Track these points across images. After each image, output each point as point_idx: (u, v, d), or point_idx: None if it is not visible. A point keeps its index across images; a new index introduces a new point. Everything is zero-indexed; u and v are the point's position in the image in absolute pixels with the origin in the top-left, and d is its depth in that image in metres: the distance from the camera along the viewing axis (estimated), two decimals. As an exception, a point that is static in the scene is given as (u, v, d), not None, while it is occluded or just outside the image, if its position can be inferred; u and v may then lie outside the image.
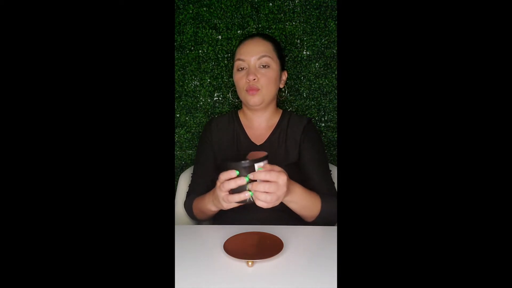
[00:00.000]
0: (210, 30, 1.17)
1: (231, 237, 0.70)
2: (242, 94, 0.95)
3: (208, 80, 1.20)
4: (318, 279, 0.57)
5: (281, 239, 0.68)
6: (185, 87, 1.21)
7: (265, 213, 0.87)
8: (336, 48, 1.14)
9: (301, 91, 1.18)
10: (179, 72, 1.20)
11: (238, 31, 1.16)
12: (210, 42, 1.18)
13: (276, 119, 1.01)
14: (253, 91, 0.92)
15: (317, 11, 1.13)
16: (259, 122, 1.01)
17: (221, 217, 0.93)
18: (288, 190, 0.71)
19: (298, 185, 0.79)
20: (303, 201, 0.80)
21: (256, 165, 0.66)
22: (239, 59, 0.94)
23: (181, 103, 1.22)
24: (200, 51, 1.18)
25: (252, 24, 1.16)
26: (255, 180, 0.66)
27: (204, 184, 0.98)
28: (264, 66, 0.93)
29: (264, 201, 0.66)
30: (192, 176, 1.03)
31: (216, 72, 1.19)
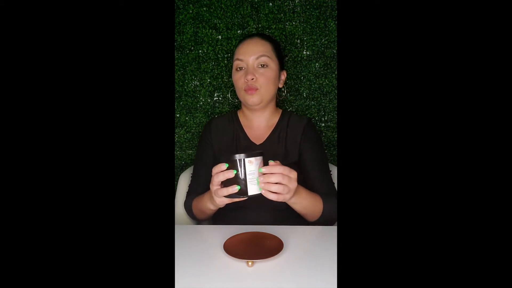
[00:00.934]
0: (210, 30, 1.17)
1: (231, 237, 0.70)
2: (241, 94, 0.95)
3: (208, 80, 1.20)
4: (318, 279, 0.57)
5: (281, 239, 0.68)
6: (185, 87, 1.21)
7: (265, 213, 0.87)
8: (336, 48, 1.14)
9: (301, 91, 1.18)
10: (179, 72, 1.20)
11: (238, 31, 1.16)
12: (210, 42, 1.18)
13: (275, 119, 1.01)
14: (251, 91, 0.92)
15: (317, 11, 1.13)
16: (259, 122, 1.01)
17: (221, 217, 0.93)
18: (294, 191, 0.72)
19: (301, 186, 0.80)
20: (307, 202, 0.80)
21: (247, 160, 0.67)
22: (237, 59, 0.94)
23: (181, 103, 1.22)
24: (200, 51, 1.18)
25: (252, 24, 1.16)
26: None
27: (204, 184, 0.98)
28: (262, 66, 0.93)
29: (277, 191, 0.67)
30: (192, 176, 1.03)
31: (216, 72, 1.19)
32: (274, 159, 0.71)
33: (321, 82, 1.17)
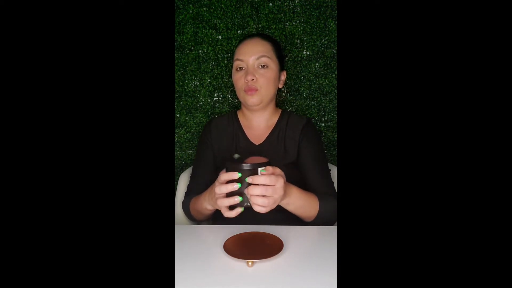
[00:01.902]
0: (210, 30, 1.17)
1: (231, 237, 0.70)
2: (241, 94, 0.95)
3: (208, 80, 1.20)
4: (318, 279, 0.57)
5: (281, 239, 0.68)
6: (185, 87, 1.21)
7: (265, 213, 0.87)
8: (336, 48, 1.14)
9: (301, 91, 1.18)
10: (179, 72, 1.20)
11: (238, 31, 1.16)
12: (210, 42, 1.18)
13: (275, 119, 1.01)
14: (251, 91, 0.92)
15: (317, 11, 1.13)
16: (258, 122, 1.01)
17: (221, 217, 0.92)
18: (285, 193, 0.71)
19: (295, 187, 0.79)
20: (300, 202, 0.80)
21: (259, 170, 0.66)
22: (238, 59, 0.94)
23: (181, 103, 1.22)
24: (200, 51, 1.19)
25: (252, 24, 1.16)
26: (250, 185, 0.66)
27: (203, 185, 0.97)
28: (262, 66, 0.93)
29: (262, 205, 0.66)
30: (191, 177, 1.03)
31: (216, 72, 1.19)
32: (273, 159, 0.71)
33: (321, 82, 1.17)
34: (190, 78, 1.20)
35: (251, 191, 0.65)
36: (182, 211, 1.02)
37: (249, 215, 0.88)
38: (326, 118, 1.19)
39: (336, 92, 1.16)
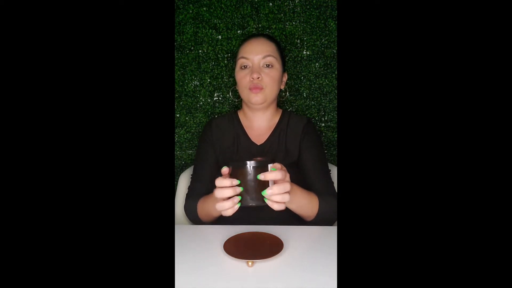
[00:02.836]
0: (210, 30, 1.17)
1: (231, 237, 0.70)
2: (245, 93, 0.95)
3: (208, 80, 1.20)
4: (318, 279, 0.57)
5: (281, 239, 0.68)
6: (185, 87, 1.21)
7: (265, 213, 0.87)
8: (336, 48, 1.14)
9: (301, 91, 1.18)
10: (179, 72, 1.20)
11: (238, 31, 1.16)
12: (210, 42, 1.18)
13: (276, 119, 1.01)
14: (256, 90, 0.92)
15: (317, 11, 1.13)
16: (260, 122, 1.01)
17: (221, 217, 0.92)
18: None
19: (296, 185, 0.79)
20: (302, 201, 0.80)
21: (269, 166, 0.65)
22: (243, 57, 0.94)
23: (181, 103, 1.22)
24: (200, 51, 1.19)
25: (252, 24, 1.16)
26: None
27: (206, 184, 0.97)
28: (268, 66, 0.93)
29: (281, 201, 0.64)
30: (192, 177, 1.01)
31: (216, 72, 1.19)
32: (274, 159, 0.70)
33: (321, 82, 1.17)
34: (190, 78, 1.20)
35: (270, 190, 0.63)
36: (183, 212, 1.02)
37: (249, 215, 0.88)
38: (326, 118, 1.19)
39: (336, 92, 1.16)
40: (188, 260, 0.64)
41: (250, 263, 0.61)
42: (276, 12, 1.14)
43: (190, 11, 1.16)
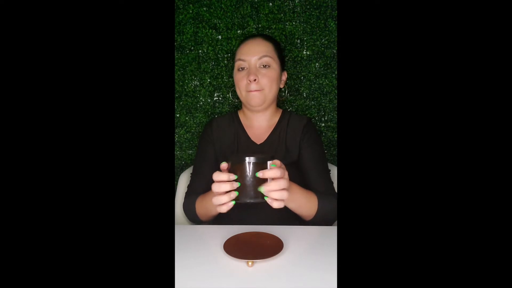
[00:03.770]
0: (210, 30, 1.17)
1: (231, 237, 0.70)
2: (243, 95, 0.95)
3: (208, 80, 1.20)
4: (318, 279, 0.57)
5: (281, 239, 0.68)
6: (185, 87, 1.21)
7: (265, 213, 0.87)
8: (336, 48, 1.14)
9: (301, 91, 1.18)
10: (179, 72, 1.20)
11: (238, 31, 1.16)
12: (210, 42, 1.18)
13: (276, 119, 1.01)
14: (254, 92, 0.92)
15: (317, 11, 1.13)
16: (260, 122, 1.01)
17: (221, 217, 0.93)
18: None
19: (295, 184, 0.79)
20: (301, 200, 0.80)
21: (269, 163, 0.64)
22: (239, 59, 0.94)
23: (181, 103, 1.22)
24: (200, 51, 1.19)
25: (252, 24, 1.16)
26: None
27: (206, 182, 0.97)
28: (264, 66, 0.93)
29: (280, 198, 0.64)
30: (191, 175, 1.01)
31: (216, 72, 1.19)
32: (273, 156, 0.70)
33: (321, 82, 1.17)
34: (190, 78, 1.20)
35: (269, 187, 0.63)
36: (183, 212, 1.02)
37: (249, 215, 0.88)
38: (326, 118, 1.19)
39: (336, 92, 1.16)
40: (188, 260, 0.64)
41: (250, 263, 0.61)
42: (276, 12, 1.14)
43: (190, 11, 1.16)
